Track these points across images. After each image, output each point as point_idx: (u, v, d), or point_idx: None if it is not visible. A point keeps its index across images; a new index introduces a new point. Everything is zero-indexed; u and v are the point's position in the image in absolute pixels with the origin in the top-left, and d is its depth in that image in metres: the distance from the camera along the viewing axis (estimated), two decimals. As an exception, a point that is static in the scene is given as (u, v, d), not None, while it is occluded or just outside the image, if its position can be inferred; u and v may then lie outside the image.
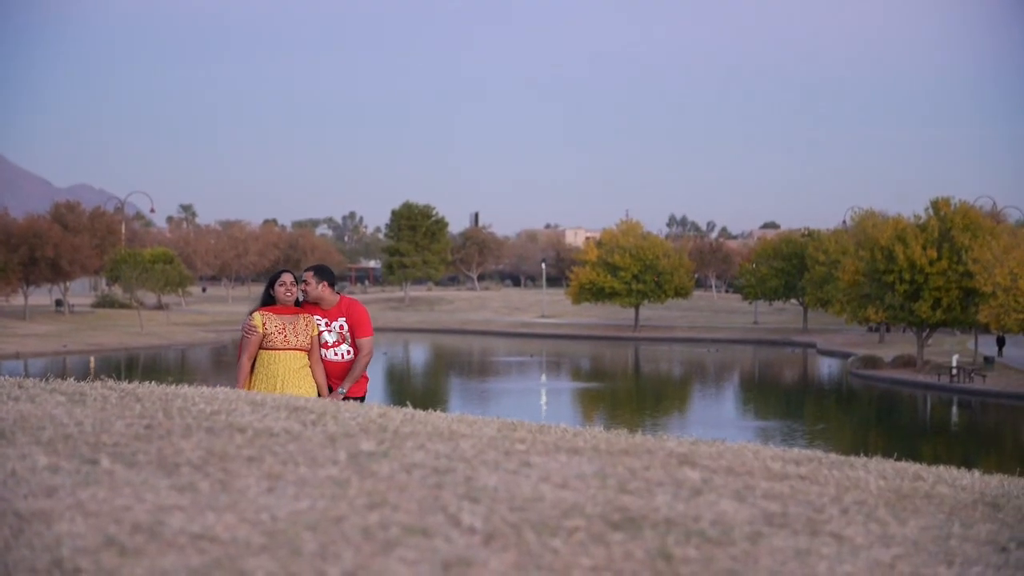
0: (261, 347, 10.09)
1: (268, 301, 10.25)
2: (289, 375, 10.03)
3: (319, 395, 10.15)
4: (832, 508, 4.19)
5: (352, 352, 10.41)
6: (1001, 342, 68.67)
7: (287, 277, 10.30)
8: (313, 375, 10.19)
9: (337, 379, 10.36)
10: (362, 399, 10.43)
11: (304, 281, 10.39)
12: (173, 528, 3.28)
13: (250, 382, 10.13)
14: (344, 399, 10.21)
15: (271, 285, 10.27)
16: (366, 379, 10.66)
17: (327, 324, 10.32)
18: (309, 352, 10.17)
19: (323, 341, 10.31)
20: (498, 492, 3.93)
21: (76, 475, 3.88)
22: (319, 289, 10.35)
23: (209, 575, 2.93)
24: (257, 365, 10.12)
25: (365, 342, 10.43)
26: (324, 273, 10.56)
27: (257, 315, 10.14)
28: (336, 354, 10.35)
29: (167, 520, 3.35)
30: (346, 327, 10.35)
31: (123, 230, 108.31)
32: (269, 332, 10.04)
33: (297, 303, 10.27)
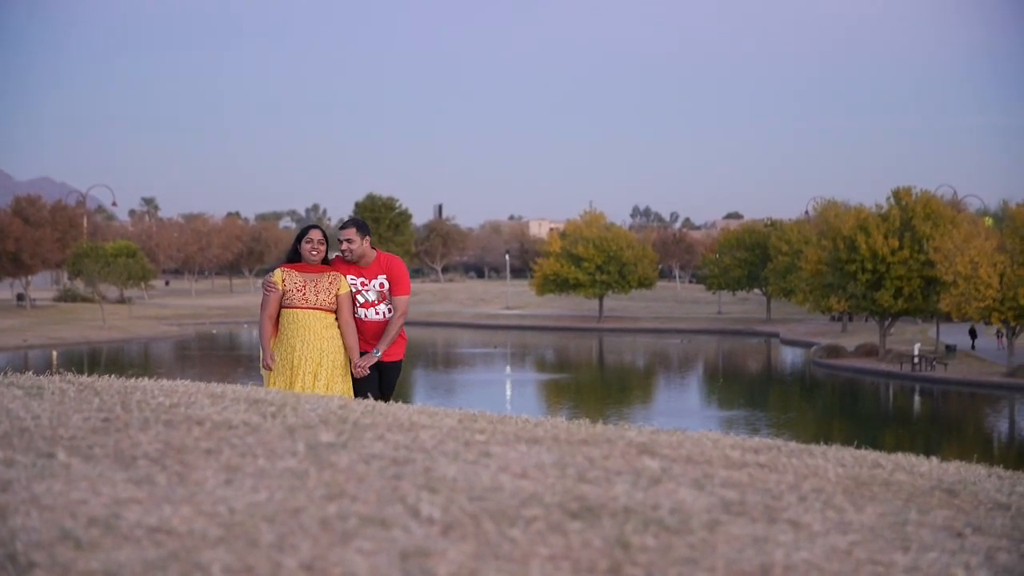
0: (282, 306, 9.57)
1: (294, 258, 9.72)
2: (310, 336, 9.47)
3: (349, 358, 9.63)
4: (790, 496, 4.20)
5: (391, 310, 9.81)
6: (973, 334, 68.39)
7: (315, 234, 9.75)
8: (343, 337, 9.62)
9: (376, 337, 9.71)
10: (399, 363, 9.97)
11: (346, 240, 9.71)
12: (129, 521, 3.26)
13: (273, 336, 9.60)
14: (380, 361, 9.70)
15: (298, 241, 9.72)
16: (404, 339, 10.03)
17: (364, 283, 9.72)
18: (337, 312, 9.59)
19: (362, 300, 9.69)
20: (457, 482, 3.93)
21: (32, 469, 3.85)
22: (364, 245, 9.72)
23: (165, 568, 2.91)
24: (279, 325, 9.60)
25: (402, 300, 9.79)
26: (365, 228, 9.87)
27: (278, 271, 9.65)
28: (377, 313, 9.72)
29: (123, 513, 3.34)
30: (387, 284, 9.74)
31: (85, 224, 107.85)
32: (288, 289, 9.53)
33: (325, 261, 9.70)
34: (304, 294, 9.51)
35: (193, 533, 3.19)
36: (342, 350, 9.60)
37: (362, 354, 9.66)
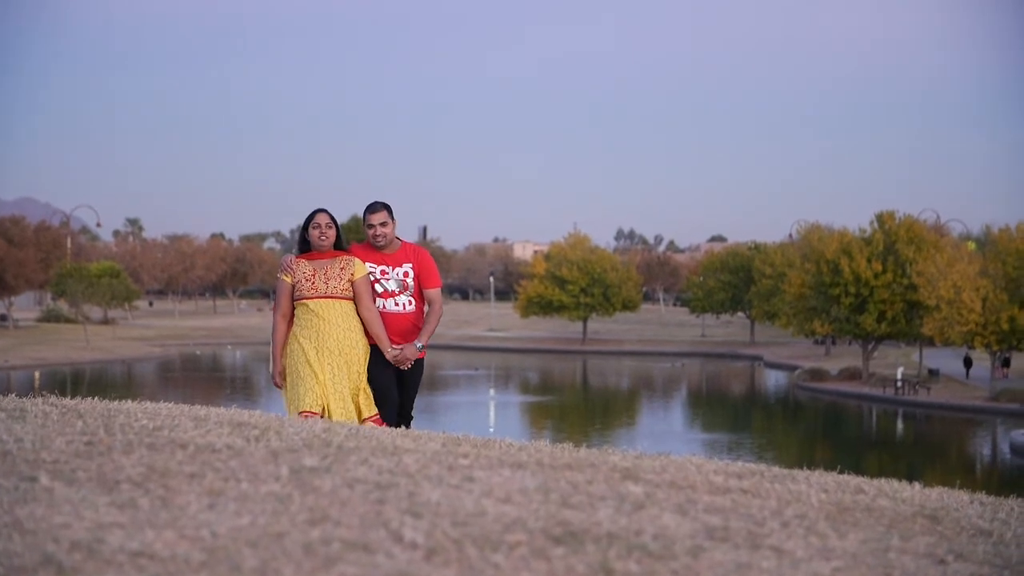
0: (295, 299, 8.78)
1: (304, 248, 8.91)
2: (326, 328, 8.65)
3: (375, 346, 8.85)
4: (773, 522, 4.21)
5: (413, 303, 9.02)
6: (968, 363, 67.69)
7: (322, 217, 8.85)
8: (369, 325, 8.79)
9: (395, 335, 8.91)
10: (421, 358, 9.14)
11: (380, 224, 8.94)
12: (112, 546, 3.25)
13: (285, 342, 8.81)
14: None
15: (305, 228, 8.87)
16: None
17: (385, 271, 8.98)
18: (356, 299, 8.77)
19: (380, 290, 8.94)
20: (440, 507, 3.93)
21: (14, 492, 3.84)
22: (394, 230, 9.02)
23: (147, 593, 2.91)
24: (294, 321, 8.81)
25: (435, 293, 9.11)
26: (392, 211, 9.06)
27: (291, 258, 8.89)
28: (397, 304, 8.97)
29: (106, 537, 3.33)
30: (411, 275, 8.99)
31: (69, 244, 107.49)
32: (297, 280, 8.74)
33: (339, 247, 8.88)
34: (313, 283, 8.72)
35: (176, 558, 3.18)
36: (363, 345, 8.83)
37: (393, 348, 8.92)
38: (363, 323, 8.87)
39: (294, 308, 8.88)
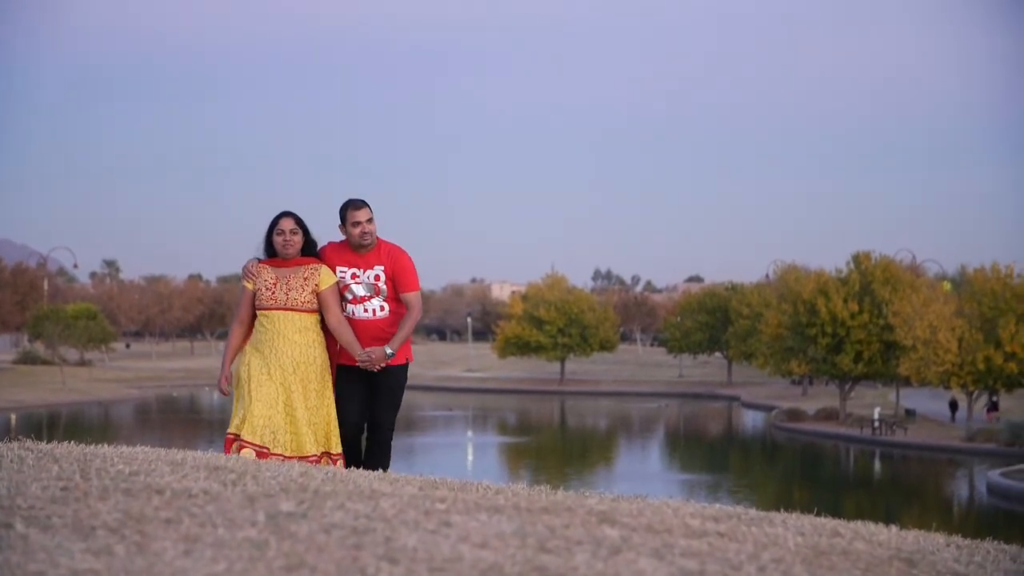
0: (256, 307, 8.26)
1: (270, 253, 8.33)
2: (280, 342, 8.10)
3: (341, 366, 8.38)
4: (749, 566, 4.21)
5: (385, 308, 8.42)
6: (954, 407, 66.98)
7: (286, 223, 8.27)
8: (338, 335, 8.23)
9: (367, 342, 8.33)
10: (404, 368, 8.65)
11: (366, 220, 8.31)
12: (87, 593, 3.24)
13: (241, 354, 8.28)
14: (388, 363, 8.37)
15: (270, 233, 8.30)
16: (409, 340, 8.66)
17: (356, 274, 8.36)
18: (323, 310, 8.20)
19: (350, 296, 8.35)
20: (417, 552, 3.93)
21: (-11, 540, 3.83)
22: (375, 228, 8.37)
23: (123, 641, 2.90)
24: (252, 332, 8.29)
25: (414, 296, 8.46)
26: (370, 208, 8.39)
27: (254, 263, 8.34)
28: (367, 310, 8.37)
29: (81, 585, 3.32)
30: (383, 277, 8.36)
31: (45, 286, 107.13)
32: (258, 288, 8.21)
33: (309, 252, 8.33)
34: (273, 292, 8.17)
35: (152, 605, 3.17)
36: (321, 360, 8.29)
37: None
38: (332, 333, 8.36)
39: (254, 316, 8.39)
